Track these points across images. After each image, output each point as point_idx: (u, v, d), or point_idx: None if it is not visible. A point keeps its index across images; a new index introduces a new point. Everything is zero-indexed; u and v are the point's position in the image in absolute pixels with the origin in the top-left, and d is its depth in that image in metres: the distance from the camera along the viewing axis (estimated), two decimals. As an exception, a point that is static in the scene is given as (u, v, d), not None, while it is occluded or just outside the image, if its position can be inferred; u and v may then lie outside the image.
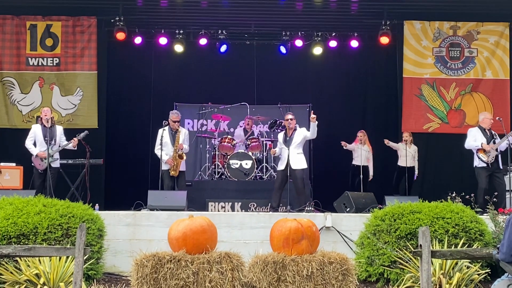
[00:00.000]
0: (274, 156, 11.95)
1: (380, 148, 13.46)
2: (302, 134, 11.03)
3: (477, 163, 10.92)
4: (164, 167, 11.12)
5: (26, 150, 10.98)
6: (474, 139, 10.98)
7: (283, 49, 14.66)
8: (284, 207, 10.82)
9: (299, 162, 10.92)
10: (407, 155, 12.71)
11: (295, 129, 11.09)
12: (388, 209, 8.21)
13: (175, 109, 13.00)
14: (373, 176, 13.30)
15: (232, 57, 14.86)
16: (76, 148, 11.19)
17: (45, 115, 10.94)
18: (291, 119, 11.06)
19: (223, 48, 14.54)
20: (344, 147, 13.10)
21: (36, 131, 11.00)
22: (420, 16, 13.97)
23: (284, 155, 10.98)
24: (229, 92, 14.64)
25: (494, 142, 10.85)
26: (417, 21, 14.08)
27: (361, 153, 13.01)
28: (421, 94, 14.06)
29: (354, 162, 13.19)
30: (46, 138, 10.74)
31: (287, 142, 10.94)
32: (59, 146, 10.97)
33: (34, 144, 10.93)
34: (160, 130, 11.17)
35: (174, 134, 11.22)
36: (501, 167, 10.89)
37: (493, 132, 11.05)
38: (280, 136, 11.21)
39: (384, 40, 14.07)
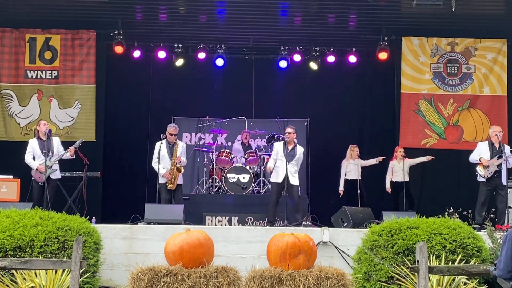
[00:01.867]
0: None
1: (377, 163, 13.46)
2: (300, 153, 11.07)
3: (477, 177, 10.91)
4: (161, 180, 11.11)
5: (24, 162, 10.94)
6: (478, 153, 10.94)
7: (283, 64, 14.67)
8: (281, 222, 10.81)
9: (296, 178, 10.96)
10: (402, 168, 12.76)
11: (295, 145, 11.09)
12: (386, 225, 8.20)
13: (173, 123, 13.02)
14: (371, 191, 13.33)
15: (230, 71, 14.89)
16: (74, 157, 11.15)
17: (43, 128, 10.91)
18: (289, 133, 11.06)
19: (220, 62, 14.54)
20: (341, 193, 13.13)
21: (33, 145, 10.97)
22: (418, 32, 14.02)
23: (281, 167, 10.94)
24: (227, 106, 14.66)
25: (498, 158, 10.79)
26: (415, 37, 14.12)
27: (356, 167, 13.02)
28: (418, 109, 14.08)
29: (347, 177, 13.15)
30: (43, 151, 10.72)
31: (287, 155, 10.92)
32: (58, 156, 10.94)
33: (34, 159, 10.91)
34: (158, 143, 11.16)
35: (171, 147, 11.22)
36: (504, 183, 10.79)
37: (504, 147, 10.84)
38: (279, 147, 11.11)
39: (382, 55, 14.12)
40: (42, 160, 10.73)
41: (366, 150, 13.87)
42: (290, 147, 11.02)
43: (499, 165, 10.70)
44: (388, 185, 12.95)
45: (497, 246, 8.00)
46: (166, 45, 14.43)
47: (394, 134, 14.26)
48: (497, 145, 10.89)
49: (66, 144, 11.47)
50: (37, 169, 10.77)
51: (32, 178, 10.92)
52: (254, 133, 14.04)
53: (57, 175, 11.00)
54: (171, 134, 11.20)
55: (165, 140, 11.21)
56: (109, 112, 14.44)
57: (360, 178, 13.00)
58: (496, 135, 10.89)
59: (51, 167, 10.76)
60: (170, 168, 11.06)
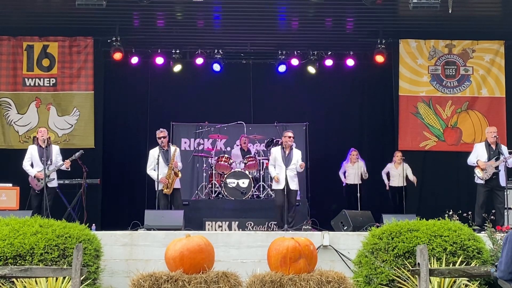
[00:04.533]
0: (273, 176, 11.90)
1: (377, 166, 13.47)
2: (298, 157, 11.09)
3: (475, 179, 10.89)
4: (159, 186, 11.07)
5: (23, 170, 10.94)
6: (475, 155, 10.92)
7: (281, 68, 14.68)
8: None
9: (295, 183, 11.00)
10: (399, 174, 12.78)
11: (291, 148, 11.11)
12: (386, 227, 8.19)
13: (172, 128, 12.99)
14: (370, 194, 13.34)
15: (228, 76, 14.90)
16: (69, 169, 11.14)
17: (42, 136, 10.92)
18: (289, 137, 11.07)
19: (216, 67, 14.53)
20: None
21: (32, 152, 10.96)
22: (415, 34, 14.03)
23: (281, 174, 10.95)
24: (226, 111, 14.66)
25: (496, 159, 10.77)
26: (413, 40, 14.13)
27: (355, 171, 13.03)
28: (417, 112, 14.09)
29: (347, 181, 13.19)
30: (42, 159, 10.71)
31: (286, 160, 10.93)
32: (55, 166, 10.93)
33: (32, 165, 10.90)
34: (151, 151, 11.10)
35: (165, 153, 11.11)
36: (502, 185, 10.76)
37: (501, 148, 10.83)
38: (278, 152, 11.12)
39: (380, 58, 14.13)
40: (40, 168, 10.73)
41: (365, 153, 13.87)
42: (287, 152, 11.04)
43: (497, 167, 10.69)
44: (385, 177, 13.09)
45: (497, 248, 7.99)
46: (164, 51, 14.44)
47: (393, 137, 14.26)
48: (493, 146, 10.87)
49: (65, 151, 11.47)
50: (34, 176, 10.76)
51: (29, 185, 10.91)
52: (253, 138, 14.04)
53: (53, 183, 10.97)
54: (159, 138, 11.12)
55: (158, 146, 11.13)
56: (108, 119, 14.44)
57: (360, 182, 13.03)
58: (492, 135, 10.89)
59: (48, 176, 10.75)
60: (167, 172, 10.98)
